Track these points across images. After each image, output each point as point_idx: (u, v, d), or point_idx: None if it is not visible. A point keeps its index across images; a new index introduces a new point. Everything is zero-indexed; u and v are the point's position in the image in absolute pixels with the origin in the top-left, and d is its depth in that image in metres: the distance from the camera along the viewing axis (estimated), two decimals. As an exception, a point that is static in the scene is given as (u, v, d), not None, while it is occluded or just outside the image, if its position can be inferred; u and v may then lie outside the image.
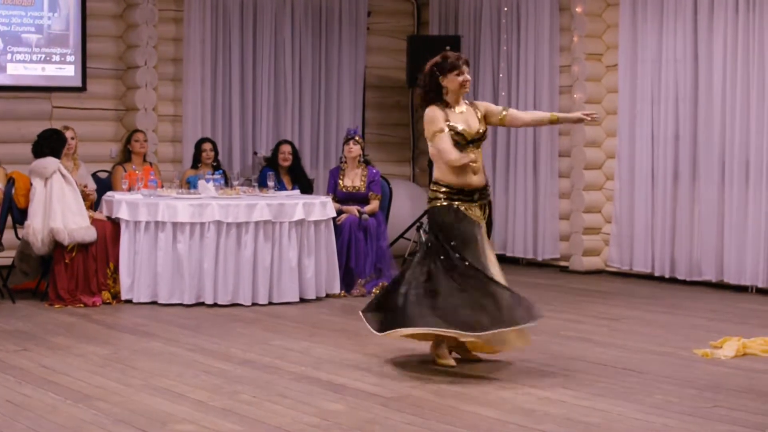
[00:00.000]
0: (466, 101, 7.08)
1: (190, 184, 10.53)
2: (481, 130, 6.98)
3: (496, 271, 6.95)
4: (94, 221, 9.52)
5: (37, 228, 9.27)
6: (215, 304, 9.38)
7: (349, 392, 6.33)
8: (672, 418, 5.79)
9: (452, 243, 6.86)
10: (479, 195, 7.01)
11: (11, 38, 11.32)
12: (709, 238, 10.61)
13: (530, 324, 6.77)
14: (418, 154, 13.73)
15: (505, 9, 12.41)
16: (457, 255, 6.83)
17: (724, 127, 10.49)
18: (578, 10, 11.67)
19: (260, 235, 9.46)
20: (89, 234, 9.37)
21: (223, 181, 10.16)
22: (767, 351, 7.52)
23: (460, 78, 6.92)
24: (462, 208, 6.95)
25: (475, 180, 6.98)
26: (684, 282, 10.87)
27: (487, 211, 7.10)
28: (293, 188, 10.90)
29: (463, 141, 6.92)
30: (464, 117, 6.98)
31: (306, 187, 11.16)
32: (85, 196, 9.71)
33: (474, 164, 6.94)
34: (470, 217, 6.96)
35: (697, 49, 10.71)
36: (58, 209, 9.27)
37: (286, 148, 11.16)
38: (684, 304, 9.74)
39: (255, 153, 12.25)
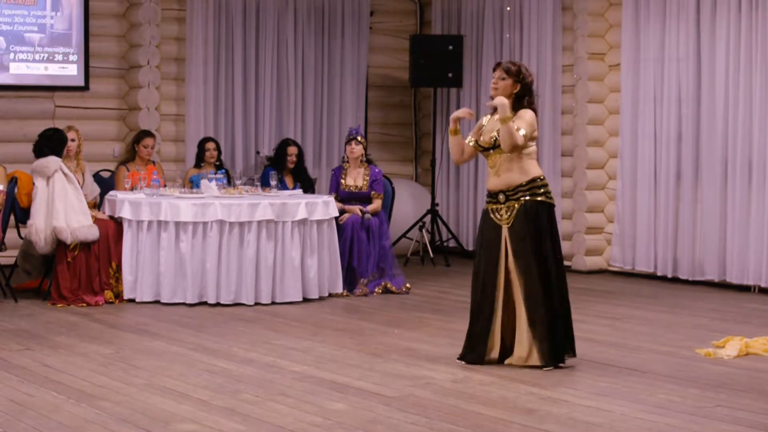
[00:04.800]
0: (515, 109, 7.01)
1: (193, 184, 10.53)
2: (494, 135, 7.01)
3: (517, 284, 6.98)
4: (96, 220, 9.52)
5: (39, 227, 9.27)
6: (218, 304, 9.38)
7: (351, 392, 6.33)
8: (675, 418, 5.79)
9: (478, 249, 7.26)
10: (504, 196, 7.03)
11: (14, 37, 11.32)
12: (711, 238, 10.60)
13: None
14: (420, 153, 13.73)
15: (508, 9, 12.41)
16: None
17: (727, 127, 10.48)
18: (580, 9, 11.65)
19: (263, 234, 9.46)
20: (92, 232, 9.37)
21: (225, 181, 10.16)
22: (770, 350, 7.54)
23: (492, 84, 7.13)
24: (490, 213, 7.10)
25: (494, 182, 7.07)
26: (686, 282, 10.86)
27: (517, 211, 7.00)
28: (294, 187, 10.91)
29: (480, 149, 7.13)
30: (493, 125, 7.09)
31: (308, 185, 11.16)
32: (90, 206, 9.72)
33: (492, 168, 7.08)
34: (493, 221, 7.06)
35: (700, 48, 10.70)
36: (60, 208, 9.28)
37: (293, 150, 11.19)
38: (686, 304, 9.74)
39: (257, 152, 12.25)
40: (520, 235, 6.94)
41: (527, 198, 6.97)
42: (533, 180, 6.99)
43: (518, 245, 6.95)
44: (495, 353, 7.07)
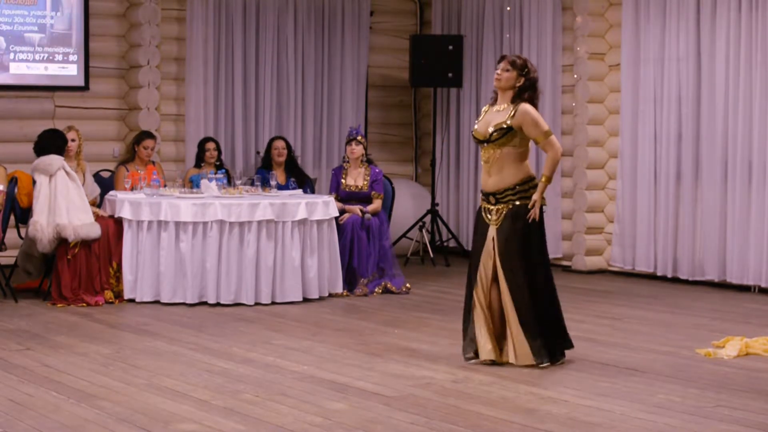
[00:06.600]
0: (515, 102, 7.06)
1: (193, 184, 10.53)
2: (490, 131, 7.03)
3: (504, 283, 7.02)
4: (97, 218, 9.53)
5: (43, 224, 9.28)
6: (218, 304, 9.38)
7: (351, 392, 6.33)
8: (674, 418, 5.79)
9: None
10: (495, 199, 7.09)
11: (14, 37, 11.32)
12: (711, 238, 10.60)
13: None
14: (420, 153, 13.73)
15: (508, 9, 12.41)
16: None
17: (727, 127, 10.48)
18: (580, 9, 11.65)
19: (263, 234, 9.46)
20: (93, 230, 9.38)
21: (225, 181, 10.16)
22: (770, 350, 7.53)
23: (495, 74, 7.17)
24: (482, 212, 7.17)
25: (487, 183, 7.13)
26: (686, 282, 10.85)
27: (505, 214, 7.06)
28: (287, 182, 10.81)
29: (476, 141, 7.17)
30: (490, 117, 7.12)
31: (302, 180, 11.10)
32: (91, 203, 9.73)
33: (485, 164, 7.10)
34: (483, 220, 7.15)
35: (700, 48, 10.71)
36: (63, 205, 9.29)
37: (280, 144, 11.16)
38: (686, 304, 9.74)
39: (258, 152, 12.25)
40: (507, 235, 7.02)
41: (516, 202, 7.05)
42: (523, 182, 7.06)
43: (504, 245, 7.02)
44: (489, 352, 7.07)
